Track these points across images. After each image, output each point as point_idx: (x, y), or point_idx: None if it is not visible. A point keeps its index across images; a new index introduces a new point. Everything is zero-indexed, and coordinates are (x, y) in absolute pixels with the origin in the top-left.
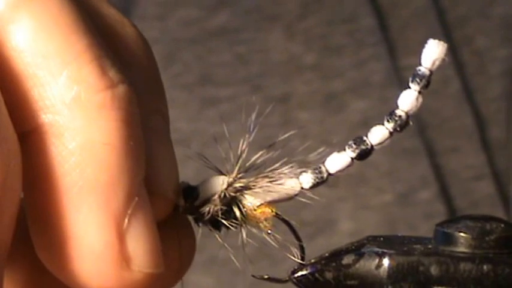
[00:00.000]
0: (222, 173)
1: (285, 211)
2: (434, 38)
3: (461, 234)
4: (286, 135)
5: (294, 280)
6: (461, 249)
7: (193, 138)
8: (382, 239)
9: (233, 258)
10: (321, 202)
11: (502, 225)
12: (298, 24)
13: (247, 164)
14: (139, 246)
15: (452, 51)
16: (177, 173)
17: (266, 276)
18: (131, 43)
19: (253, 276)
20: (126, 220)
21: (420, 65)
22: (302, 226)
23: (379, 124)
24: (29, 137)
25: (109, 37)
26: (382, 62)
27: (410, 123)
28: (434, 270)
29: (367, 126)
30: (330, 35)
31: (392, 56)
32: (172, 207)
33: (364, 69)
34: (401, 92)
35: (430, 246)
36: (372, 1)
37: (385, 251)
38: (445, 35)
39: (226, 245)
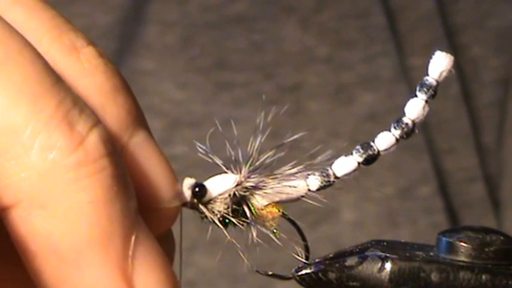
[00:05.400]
0: (231, 171)
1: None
2: (438, 43)
3: (462, 244)
4: (295, 137)
5: (298, 278)
6: (462, 258)
7: (205, 121)
8: (385, 243)
9: (242, 255)
10: (324, 191)
11: (502, 238)
12: (313, 17)
13: (257, 164)
14: (150, 280)
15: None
16: (174, 177)
17: (270, 273)
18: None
19: (258, 271)
20: (130, 261)
21: (427, 74)
22: (305, 214)
23: (386, 130)
24: (13, 212)
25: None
26: (391, 58)
27: (417, 131)
28: (434, 277)
29: (374, 119)
30: (343, 30)
31: (399, 54)
32: (178, 214)
33: (373, 64)
34: (407, 89)
35: (431, 254)
36: (384, 0)
37: (387, 255)
38: (448, 40)
39: (234, 241)
